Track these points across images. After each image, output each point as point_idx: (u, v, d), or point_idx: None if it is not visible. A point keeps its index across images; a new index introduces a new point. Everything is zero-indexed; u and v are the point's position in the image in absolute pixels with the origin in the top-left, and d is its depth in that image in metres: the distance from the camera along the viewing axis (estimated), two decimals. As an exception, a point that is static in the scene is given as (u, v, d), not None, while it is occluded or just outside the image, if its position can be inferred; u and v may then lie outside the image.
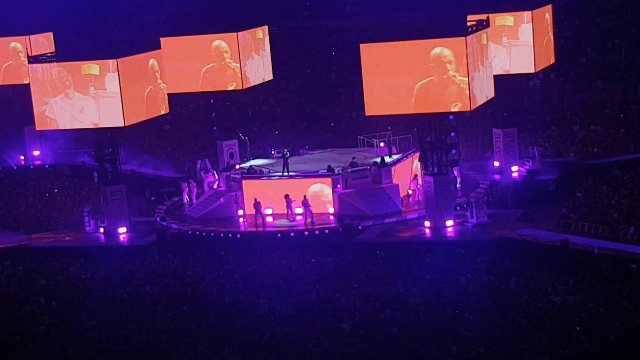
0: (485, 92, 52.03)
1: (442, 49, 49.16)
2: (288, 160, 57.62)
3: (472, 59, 49.76)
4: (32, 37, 69.98)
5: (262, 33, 62.56)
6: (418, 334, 38.79)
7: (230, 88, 60.71)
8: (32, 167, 71.39)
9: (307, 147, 63.05)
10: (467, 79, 49.25)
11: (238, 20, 61.54)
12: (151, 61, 55.93)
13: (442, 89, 49.59)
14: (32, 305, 45.31)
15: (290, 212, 54.32)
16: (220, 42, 59.99)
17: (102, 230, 55.76)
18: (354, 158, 57.28)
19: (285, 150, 59.02)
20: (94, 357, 39.64)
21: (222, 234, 53.24)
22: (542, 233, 48.49)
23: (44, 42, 70.45)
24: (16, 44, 69.50)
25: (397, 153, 58.68)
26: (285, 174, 56.70)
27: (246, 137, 61.79)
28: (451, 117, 51.45)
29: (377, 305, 42.06)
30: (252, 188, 55.97)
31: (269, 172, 57.88)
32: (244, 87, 61.26)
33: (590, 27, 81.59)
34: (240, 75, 60.23)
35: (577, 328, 37.40)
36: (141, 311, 43.92)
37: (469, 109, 50.37)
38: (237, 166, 60.00)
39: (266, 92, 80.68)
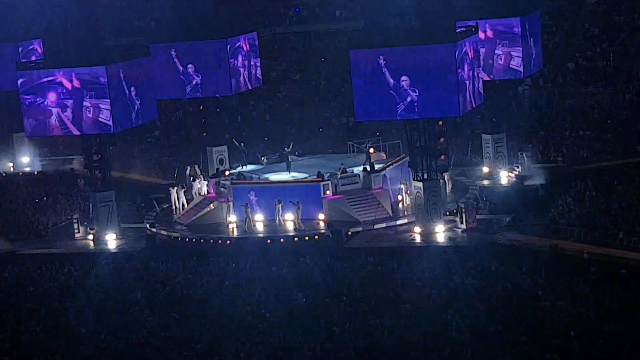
0: (474, 97, 52.12)
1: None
2: (289, 157, 57.60)
3: (461, 65, 49.85)
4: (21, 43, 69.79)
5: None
6: (408, 339, 38.80)
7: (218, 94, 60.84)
8: (20, 174, 71.16)
9: (297, 152, 62.98)
10: (456, 85, 49.32)
11: (227, 27, 61.54)
12: (141, 67, 55.93)
13: (431, 95, 49.67)
14: (21, 312, 45.17)
15: (280, 217, 54.28)
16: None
17: (91, 236, 55.62)
18: (342, 165, 57.26)
19: (289, 146, 58.37)
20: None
21: (211, 240, 53.16)
22: (531, 238, 48.58)
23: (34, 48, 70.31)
24: None
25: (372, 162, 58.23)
26: (293, 175, 56.54)
27: (242, 144, 61.66)
28: (440, 122, 51.51)
29: (367, 311, 42.07)
30: (243, 194, 55.90)
31: (259, 178, 57.82)
32: (234, 93, 61.33)
33: (578, 33, 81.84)
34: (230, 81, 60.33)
35: (572, 333, 37.47)
36: (130, 317, 43.82)
37: (458, 115, 50.42)
38: (227, 172, 59.89)
39: (256, 98, 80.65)
